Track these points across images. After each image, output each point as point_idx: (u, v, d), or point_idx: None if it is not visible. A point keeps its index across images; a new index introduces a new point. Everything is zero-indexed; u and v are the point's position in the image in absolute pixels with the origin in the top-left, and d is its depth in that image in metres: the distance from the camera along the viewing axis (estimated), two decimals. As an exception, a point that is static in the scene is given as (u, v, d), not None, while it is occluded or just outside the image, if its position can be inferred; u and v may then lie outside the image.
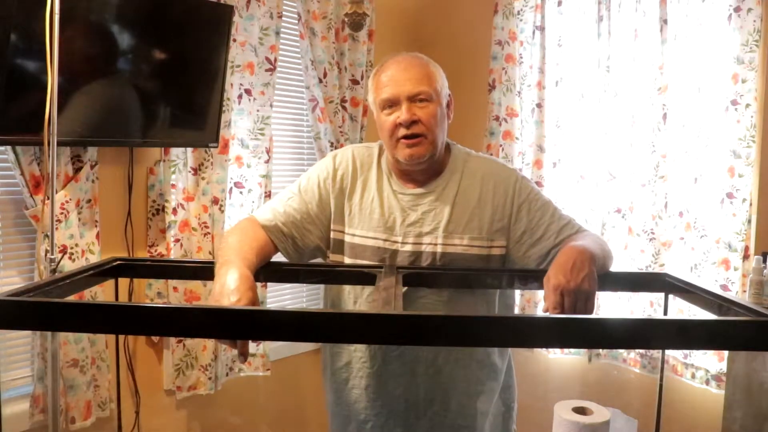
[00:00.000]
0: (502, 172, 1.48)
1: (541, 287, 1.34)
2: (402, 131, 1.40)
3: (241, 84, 2.46)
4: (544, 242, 1.42)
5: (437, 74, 1.44)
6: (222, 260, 1.29)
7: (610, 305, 2.72)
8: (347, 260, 1.48)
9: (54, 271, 1.78)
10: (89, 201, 2.08)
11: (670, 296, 1.39)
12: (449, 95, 1.48)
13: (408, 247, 1.44)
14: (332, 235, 1.49)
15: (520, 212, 1.44)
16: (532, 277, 1.43)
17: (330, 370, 1.58)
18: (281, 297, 2.85)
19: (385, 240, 1.45)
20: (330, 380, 1.58)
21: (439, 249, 1.43)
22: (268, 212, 1.47)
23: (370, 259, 1.45)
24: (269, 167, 2.56)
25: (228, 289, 1.21)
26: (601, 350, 2.71)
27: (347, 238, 1.48)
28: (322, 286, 2.51)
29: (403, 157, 1.42)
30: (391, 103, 1.41)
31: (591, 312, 1.24)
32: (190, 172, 2.34)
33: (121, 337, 2.18)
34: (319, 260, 1.54)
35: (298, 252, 1.47)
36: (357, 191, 1.49)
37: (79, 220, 2.05)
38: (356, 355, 1.50)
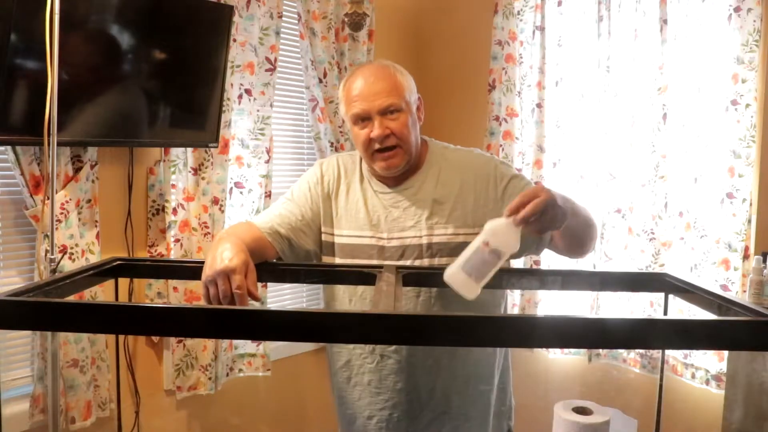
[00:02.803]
0: (479, 160, 1.53)
1: (540, 287, 1.34)
2: (376, 145, 1.44)
3: (241, 84, 2.46)
4: None
5: (405, 82, 1.46)
6: (215, 243, 1.34)
7: (610, 305, 2.72)
8: (338, 260, 1.51)
9: (54, 271, 1.78)
10: (89, 201, 2.08)
11: (670, 296, 1.39)
12: (418, 99, 1.51)
13: (394, 242, 1.47)
14: (323, 237, 1.54)
15: (505, 194, 1.46)
16: (533, 277, 1.44)
17: (332, 370, 1.60)
18: (281, 297, 2.85)
19: (372, 236, 1.48)
20: (333, 380, 1.61)
21: (424, 240, 1.45)
22: (263, 216, 1.52)
23: (359, 257, 1.48)
24: (269, 167, 2.56)
25: (220, 254, 1.24)
26: (601, 350, 2.71)
27: (336, 239, 1.52)
28: (322, 286, 2.52)
29: (380, 168, 1.47)
30: (363, 118, 1.44)
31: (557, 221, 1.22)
32: (190, 172, 2.34)
33: (121, 337, 2.18)
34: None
35: (294, 252, 1.50)
36: (342, 194, 1.53)
37: (79, 220, 2.05)
38: (355, 352, 1.52)
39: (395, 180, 1.51)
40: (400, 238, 1.47)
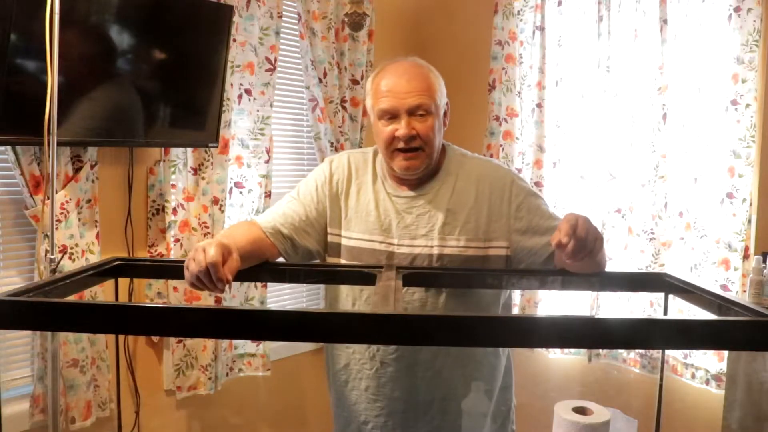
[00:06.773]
0: (497, 173, 1.48)
1: (541, 287, 1.34)
2: (400, 144, 1.41)
3: (241, 84, 2.46)
4: (546, 237, 1.40)
5: (437, 84, 1.43)
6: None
7: (610, 305, 2.72)
8: (344, 262, 1.48)
9: (54, 271, 1.78)
10: (89, 201, 2.08)
11: (670, 296, 1.39)
12: (447, 103, 1.47)
13: (404, 249, 1.44)
14: (329, 238, 1.51)
15: (519, 211, 1.43)
16: (533, 277, 1.44)
17: (331, 371, 1.59)
18: (281, 297, 2.85)
19: (382, 242, 1.45)
20: (331, 382, 1.60)
21: (435, 251, 1.43)
22: (267, 215, 1.50)
23: (367, 261, 1.45)
24: (269, 167, 2.56)
25: (201, 245, 1.21)
26: (601, 350, 2.71)
27: (344, 241, 1.49)
28: (322, 287, 2.52)
29: (400, 168, 1.44)
30: (390, 115, 1.41)
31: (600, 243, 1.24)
32: (190, 172, 2.34)
33: (121, 337, 2.18)
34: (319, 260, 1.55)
35: (297, 252, 1.48)
36: (352, 195, 1.50)
37: (79, 220, 2.05)
38: (354, 357, 1.51)
39: (411, 184, 1.47)
40: (410, 246, 1.44)
